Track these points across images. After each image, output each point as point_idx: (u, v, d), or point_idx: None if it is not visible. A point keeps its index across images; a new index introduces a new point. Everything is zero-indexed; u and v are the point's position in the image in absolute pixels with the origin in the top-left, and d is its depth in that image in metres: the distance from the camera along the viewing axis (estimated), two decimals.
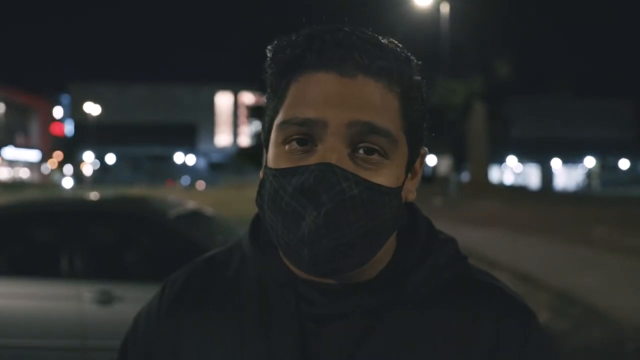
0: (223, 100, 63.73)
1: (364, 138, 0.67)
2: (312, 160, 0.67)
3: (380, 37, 0.72)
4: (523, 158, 60.79)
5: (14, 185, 43.15)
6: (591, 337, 5.15)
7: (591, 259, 9.21)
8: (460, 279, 0.78)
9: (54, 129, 67.23)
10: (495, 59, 29.47)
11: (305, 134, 0.68)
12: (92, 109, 58.13)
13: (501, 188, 33.31)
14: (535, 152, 59.92)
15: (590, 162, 62.35)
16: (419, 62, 0.74)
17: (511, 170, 62.47)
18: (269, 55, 0.74)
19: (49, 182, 54.82)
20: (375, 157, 0.68)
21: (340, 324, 0.73)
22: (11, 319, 3.64)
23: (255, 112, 39.31)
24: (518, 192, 30.83)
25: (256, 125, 39.23)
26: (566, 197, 29.14)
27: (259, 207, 0.74)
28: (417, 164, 0.77)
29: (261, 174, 0.76)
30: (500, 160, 57.67)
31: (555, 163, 62.53)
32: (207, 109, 63.48)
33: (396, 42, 0.73)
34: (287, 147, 0.69)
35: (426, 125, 0.76)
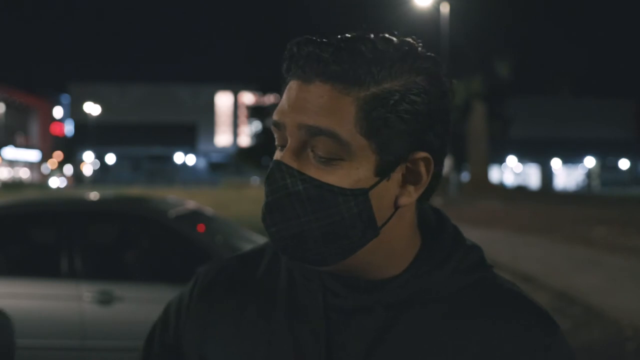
0: (223, 100, 63.73)
1: (313, 140, 0.72)
2: None
3: (364, 41, 0.73)
4: (523, 158, 60.80)
5: (14, 185, 43.15)
6: (591, 337, 5.15)
7: (591, 259, 9.21)
8: (485, 286, 0.79)
9: (54, 129, 67.25)
10: (495, 59, 29.48)
11: (281, 137, 0.76)
12: (92, 109, 58.14)
13: (501, 188, 33.32)
14: (535, 152, 59.93)
15: (590, 162, 62.35)
16: (428, 67, 0.75)
17: (511, 170, 62.48)
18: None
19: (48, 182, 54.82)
20: (326, 158, 0.72)
21: (364, 317, 0.76)
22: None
23: (255, 112, 39.32)
24: (518, 192, 30.83)
25: (256, 125, 39.23)
26: (566, 197, 29.14)
27: None
28: (421, 169, 0.76)
29: None
30: (500, 160, 57.69)
31: (555, 163, 62.53)
32: (207, 109, 63.48)
33: (399, 41, 0.75)
34: (277, 151, 0.79)
35: (427, 130, 0.75)
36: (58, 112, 68.90)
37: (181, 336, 0.87)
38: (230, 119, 63.63)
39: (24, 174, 58.16)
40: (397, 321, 0.75)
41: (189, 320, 0.87)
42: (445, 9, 25.26)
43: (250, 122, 41.29)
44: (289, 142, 0.74)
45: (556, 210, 18.08)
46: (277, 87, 37.17)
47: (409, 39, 0.77)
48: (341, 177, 0.72)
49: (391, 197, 0.75)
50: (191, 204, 4.96)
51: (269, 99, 38.28)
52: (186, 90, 63.86)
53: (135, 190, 30.53)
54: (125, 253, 4.23)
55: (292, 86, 0.75)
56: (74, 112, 62.68)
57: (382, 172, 0.74)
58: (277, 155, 0.77)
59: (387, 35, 0.76)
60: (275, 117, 0.76)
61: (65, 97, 67.23)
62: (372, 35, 0.75)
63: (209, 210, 5.32)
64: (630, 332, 5.21)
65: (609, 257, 9.35)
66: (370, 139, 0.72)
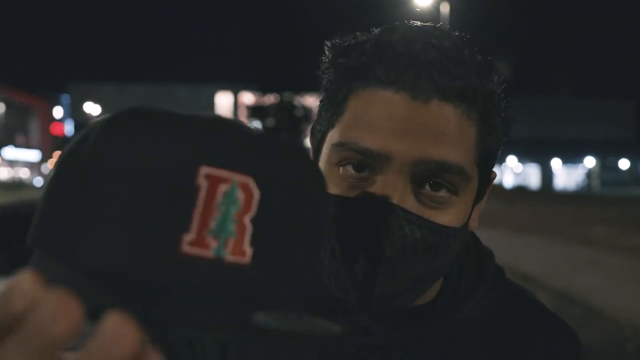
0: (223, 100, 63.76)
1: (433, 175, 0.58)
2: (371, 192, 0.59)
3: (459, 45, 0.60)
4: (523, 158, 60.78)
5: (14, 185, 43.17)
6: (591, 337, 5.14)
7: (591, 259, 9.21)
8: (506, 298, 0.74)
9: (54, 129, 67.25)
10: (495, 59, 29.48)
11: (363, 161, 0.59)
12: (92, 109, 58.16)
13: (501, 188, 33.32)
14: (535, 152, 59.90)
15: (590, 162, 62.33)
16: (499, 76, 0.64)
17: (511, 170, 62.47)
18: (328, 54, 0.64)
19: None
20: (442, 193, 0.59)
21: (403, 356, 0.66)
22: None
23: (255, 112, 39.27)
24: (518, 192, 30.83)
25: (256, 125, 39.23)
26: (566, 197, 29.14)
27: None
28: (487, 188, 0.69)
29: None
30: (500, 160, 57.57)
31: (555, 163, 62.51)
32: (207, 109, 63.47)
33: (474, 47, 0.62)
34: (341, 169, 0.60)
35: (499, 151, 0.66)
36: (58, 112, 68.90)
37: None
38: None
39: (24, 174, 58.16)
40: (438, 355, 0.68)
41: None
42: (445, 9, 25.27)
43: (250, 122, 41.31)
44: (392, 177, 0.58)
45: (556, 210, 18.08)
46: (277, 87, 37.19)
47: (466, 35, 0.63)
48: (453, 215, 0.60)
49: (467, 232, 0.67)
50: None
51: (269, 99, 38.24)
52: (186, 90, 63.92)
53: None
54: None
55: (395, 99, 0.57)
56: (74, 112, 62.70)
57: (478, 199, 0.65)
58: (352, 180, 0.59)
59: (453, 32, 0.63)
60: (369, 142, 0.57)
61: (65, 97, 67.21)
62: (443, 31, 0.62)
63: None
64: (630, 332, 5.21)
65: (609, 257, 9.35)
66: (480, 167, 0.62)
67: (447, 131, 0.57)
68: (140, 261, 0.30)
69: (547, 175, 62.03)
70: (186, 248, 0.31)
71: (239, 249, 0.33)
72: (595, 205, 19.81)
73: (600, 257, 9.38)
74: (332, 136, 0.62)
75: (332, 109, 0.63)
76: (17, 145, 56.50)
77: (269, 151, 0.35)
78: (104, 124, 0.35)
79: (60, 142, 65.98)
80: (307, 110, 41.70)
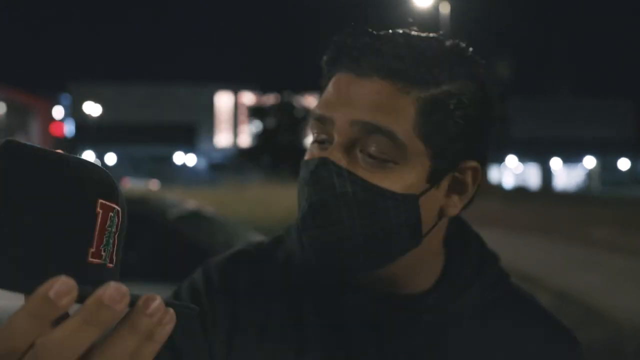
0: (223, 100, 63.73)
1: (367, 138, 0.66)
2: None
3: (421, 39, 0.70)
4: (523, 158, 60.78)
5: None
6: (591, 337, 5.15)
7: (591, 259, 9.22)
8: (508, 299, 0.78)
9: (54, 129, 67.24)
10: (495, 59, 29.52)
11: (324, 132, 0.70)
12: (92, 109, 58.18)
13: (501, 188, 33.31)
14: (535, 152, 59.90)
15: (590, 162, 62.33)
16: (481, 73, 0.72)
17: (511, 170, 62.47)
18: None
19: None
20: (381, 157, 0.67)
21: (396, 337, 0.72)
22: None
23: (255, 112, 39.28)
24: (518, 192, 30.83)
25: (256, 125, 39.19)
26: (566, 197, 29.13)
27: None
28: (468, 178, 0.73)
29: None
30: (500, 160, 57.67)
31: (555, 163, 62.52)
32: (207, 109, 63.47)
33: (451, 43, 0.72)
34: (314, 145, 0.73)
35: (478, 138, 0.72)
36: (58, 112, 68.91)
37: (204, 324, 0.76)
38: (230, 119, 63.62)
39: None
40: (430, 341, 0.72)
41: (211, 309, 0.77)
42: (445, 9, 25.27)
43: (250, 122, 41.27)
44: (336, 139, 0.68)
45: (556, 210, 18.08)
46: (277, 87, 37.20)
47: (460, 42, 0.73)
48: (392, 181, 0.67)
49: (437, 206, 0.71)
50: (191, 204, 4.96)
51: (269, 99, 38.24)
52: (186, 90, 63.88)
53: (135, 190, 30.49)
54: (125, 253, 4.23)
55: (342, 79, 0.69)
56: (74, 112, 62.71)
57: (434, 179, 0.70)
58: (316, 150, 0.71)
59: (436, 35, 0.73)
60: (320, 110, 0.70)
61: (65, 97, 67.23)
62: (423, 34, 0.71)
63: (209, 210, 5.33)
64: (630, 332, 5.21)
65: (609, 257, 9.35)
66: (427, 144, 0.68)
67: (381, 102, 0.66)
68: (65, 270, 0.38)
69: (547, 175, 62.03)
70: (89, 259, 0.43)
71: (111, 258, 0.46)
72: (595, 205, 19.81)
73: (600, 257, 9.38)
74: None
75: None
76: None
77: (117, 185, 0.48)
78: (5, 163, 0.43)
79: (60, 142, 66.03)
80: (307, 110, 41.67)
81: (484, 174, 0.75)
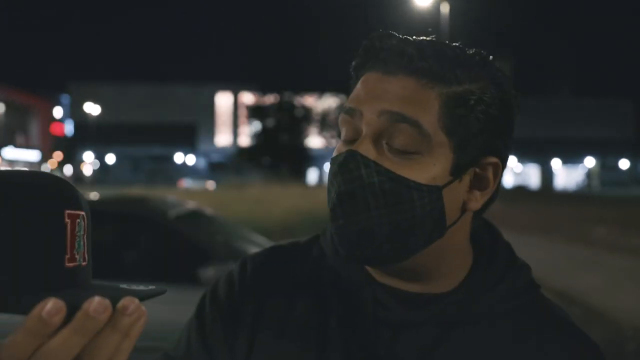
0: (223, 100, 63.73)
1: (394, 128, 0.70)
2: None
3: (441, 44, 0.74)
4: (523, 158, 60.81)
5: None
6: None
7: (591, 259, 9.22)
8: (533, 309, 0.78)
9: (54, 129, 67.26)
10: (495, 59, 29.47)
11: (352, 126, 0.73)
12: (92, 109, 58.15)
13: (501, 188, 33.20)
14: (535, 152, 59.94)
15: (590, 162, 62.36)
16: (502, 74, 0.76)
17: (511, 170, 62.50)
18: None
19: None
20: (407, 149, 0.70)
21: (413, 333, 0.74)
22: (12, 319, 3.63)
23: (255, 112, 39.28)
24: (518, 192, 30.84)
25: (256, 125, 39.19)
26: (566, 197, 29.13)
27: None
28: (489, 174, 0.75)
29: None
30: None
31: (555, 163, 62.54)
32: (207, 109, 63.46)
33: (474, 51, 0.76)
34: (342, 143, 0.76)
35: (499, 136, 0.74)
36: (58, 112, 68.92)
37: (238, 312, 0.81)
38: (230, 119, 63.62)
39: None
40: (446, 339, 0.73)
41: (243, 302, 0.82)
42: (445, 9, 25.26)
43: (250, 122, 41.25)
44: (364, 131, 0.72)
45: (556, 210, 18.08)
46: (277, 87, 37.20)
47: (480, 50, 0.78)
48: (417, 171, 0.70)
49: (459, 199, 0.74)
50: (191, 204, 4.96)
51: (269, 99, 38.24)
52: (186, 90, 63.86)
53: (135, 190, 30.50)
54: (125, 253, 4.23)
55: (371, 77, 0.74)
56: (74, 112, 62.70)
57: (457, 172, 0.72)
58: (344, 147, 0.74)
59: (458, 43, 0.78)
60: (350, 104, 0.74)
61: (65, 97, 67.24)
62: (446, 41, 0.77)
63: (209, 210, 5.33)
64: (630, 332, 5.21)
65: (609, 257, 9.35)
66: (450, 136, 0.71)
67: (406, 95, 0.70)
68: (47, 280, 0.47)
69: (547, 175, 62.04)
70: (66, 264, 0.49)
71: (84, 257, 0.51)
72: (595, 205, 19.80)
73: (600, 257, 9.39)
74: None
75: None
76: (17, 145, 56.54)
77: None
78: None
79: (60, 142, 66.02)
80: (307, 110, 41.65)
81: (502, 173, 0.77)
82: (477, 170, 0.74)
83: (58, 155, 63.47)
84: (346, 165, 0.70)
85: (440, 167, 0.71)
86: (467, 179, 0.73)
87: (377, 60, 0.74)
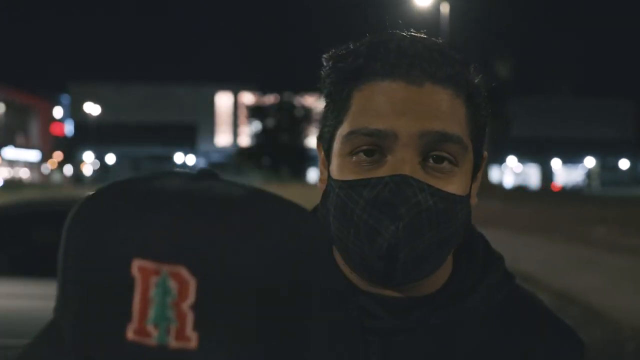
0: (223, 100, 63.71)
1: (436, 147, 0.66)
2: (382, 172, 0.66)
3: (439, 43, 0.71)
4: (523, 158, 60.77)
5: (13, 185, 43.17)
6: (591, 337, 5.15)
7: (591, 259, 9.22)
8: (513, 300, 0.78)
9: (54, 129, 67.23)
10: (495, 59, 29.52)
11: (373, 144, 0.67)
12: (92, 109, 58.14)
13: (501, 188, 33.31)
14: (535, 152, 59.90)
15: (590, 162, 62.33)
16: (476, 65, 0.74)
17: (511, 170, 62.47)
18: (326, 63, 0.73)
19: (49, 182, 54.86)
20: (445, 165, 0.67)
21: (405, 340, 0.71)
22: (11, 319, 3.64)
23: (255, 112, 39.31)
24: (518, 192, 30.84)
25: (256, 125, 39.21)
26: (566, 197, 29.13)
27: (322, 218, 0.73)
28: (481, 168, 0.76)
29: (321, 185, 0.75)
30: (500, 160, 57.68)
31: (555, 163, 62.52)
32: (207, 109, 63.45)
33: (453, 46, 0.73)
34: (354, 158, 0.68)
35: (486, 130, 0.75)
36: (58, 112, 68.89)
37: None
38: (230, 119, 63.60)
39: (24, 174, 58.15)
40: (440, 344, 0.72)
41: None
42: (445, 9, 25.26)
43: (250, 122, 41.27)
44: (404, 153, 0.65)
45: (556, 210, 18.08)
46: (277, 87, 37.21)
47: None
48: (457, 184, 0.68)
49: (471, 199, 0.73)
50: None
51: (269, 99, 38.26)
52: (186, 90, 63.84)
53: None
54: None
55: (392, 89, 0.66)
56: (74, 112, 62.69)
57: (475, 174, 0.72)
58: (364, 164, 0.67)
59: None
60: (377, 124, 0.66)
61: (65, 97, 67.21)
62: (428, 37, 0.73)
63: None
64: (630, 332, 5.21)
65: (609, 257, 9.35)
66: (473, 141, 0.70)
67: (442, 108, 0.66)
68: (95, 349, 0.33)
69: (547, 175, 62.02)
70: (131, 335, 0.34)
71: (182, 335, 0.34)
72: (595, 205, 19.80)
73: (600, 257, 9.38)
74: (342, 130, 0.69)
75: (337, 109, 0.71)
76: (17, 145, 56.49)
77: (208, 233, 0.35)
78: (68, 223, 0.39)
79: (60, 142, 65.99)
80: (307, 110, 41.61)
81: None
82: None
83: (58, 155, 63.43)
84: (403, 192, 0.64)
85: (469, 174, 0.70)
86: None
87: (393, 67, 0.67)
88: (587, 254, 9.72)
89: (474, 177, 0.73)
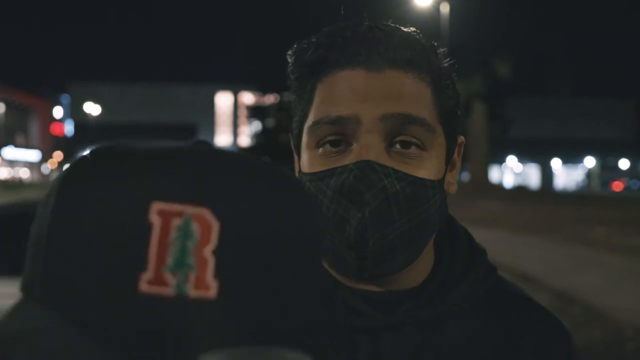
0: (223, 100, 63.73)
1: (400, 130, 0.65)
2: (349, 160, 0.65)
3: (403, 28, 0.70)
4: (523, 158, 60.77)
5: (13, 185, 43.16)
6: (591, 337, 5.14)
7: (591, 259, 9.22)
8: (497, 293, 0.77)
9: (54, 129, 67.22)
10: (495, 59, 29.50)
11: (338, 134, 0.66)
12: (92, 109, 58.15)
13: (501, 188, 33.32)
14: (535, 152, 59.89)
15: (590, 162, 62.32)
16: (444, 50, 0.72)
17: (511, 170, 62.46)
18: (290, 60, 0.73)
19: (49, 182, 54.80)
20: (413, 150, 0.66)
21: (394, 337, 0.69)
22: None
23: (255, 112, 39.26)
24: (518, 192, 30.84)
25: (256, 125, 39.22)
26: (566, 197, 29.13)
27: None
28: (455, 154, 0.75)
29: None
30: (500, 160, 57.67)
31: (555, 163, 62.51)
32: (207, 109, 63.48)
33: (418, 31, 0.72)
34: (320, 150, 0.68)
35: (460, 113, 0.74)
36: (58, 112, 68.88)
37: None
38: (230, 119, 63.63)
39: (24, 174, 58.15)
40: (429, 340, 0.70)
41: None
42: (445, 9, 25.26)
43: (250, 122, 41.25)
44: (366, 138, 0.64)
45: (556, 210, 18.07)
46: (277, 87, 37.20)
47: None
48: (427, 169, 0.66)
49: (447, 186, 0.72)
50: None
51: (269, 99, 38.24)
52: (186, 90, 63.88)
53: None
54: None
55: (353, 76, 0.66)
56: (74, 112, 62.68)
57: (449, 159, 0.71)
58: (330, 155, 0.66)
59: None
60: (339, 111, 0.65)
61: (65, 97, 67.19)
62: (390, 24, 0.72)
63: None
64: (631, 332, 5.21)
65: (609, 257, 9.35)
66: (442, 125, 0.69)
67: (404, 92, 0.65)
68: (105, 304, 0.30)
69: (547, 175, 62.01)
70: (145, 287, 0.31)
71: (202, 283, 0.32)
72: (595, 205, 19.80)
73: (600, 257, 9.38)
74: (308, 122, 0.70)
75: (302, 103, 0.72)
76: (17, 145, 56.50)
77: (230, 178, 0.34)
78: (60, 180, 0.36)
79: (60, 142, 65.99)
80: None
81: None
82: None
83: (58, 155, 63.43)
84: (367, 179, 0.62)
85: (441, 159, 0.69)
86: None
87: (353, 55, 0.66)
88: (587, 254, 9.72)
89: (448, 162, 0.71)
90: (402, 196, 0.63)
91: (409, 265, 0.69)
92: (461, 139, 0.75)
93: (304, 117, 0.71)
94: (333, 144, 0.67)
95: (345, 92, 0.66)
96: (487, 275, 0.76)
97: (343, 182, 0.64)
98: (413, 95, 0.66)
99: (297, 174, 0.75)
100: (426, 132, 0.66)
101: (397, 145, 0.66)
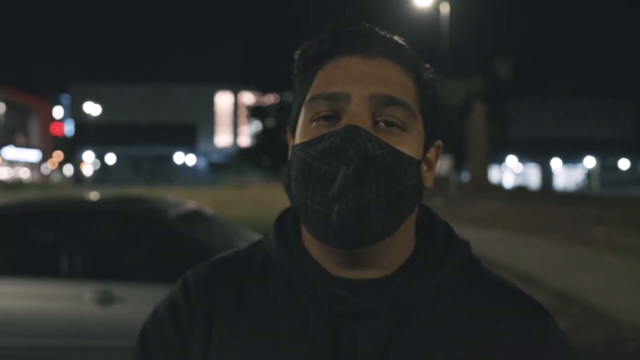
0: (223, 100, 63.70)
1: (384, 110, 0.73)
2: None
3: (394, 36, 0.81)
4: (523, 158, 60.76)
5: (13, 185, 43.13)
6: (591, 337, 5.14)
7: (591, 259, 9.22)
8: (479, 281, 0.81)
9: (54, 129, 67.18)
10: (495, 59, 29.48)
11: (331, 110, 0.74)
12: (92, 109, 58.13)
13: (501, 188, 33.29)
14: (535, 152, 59.89)
15: (590, 162, 62.32)
16: (427, 65, 0.83)
17: (511, 170, 62.45)
18: (296, 57, 0.82)
19: (49, 182, 54.83)
20: (394, 129, 0.74)
21: (372, 320, 0.74)
22: (11, 319, 3.64)
23: (255, 112, 39.24)
24: (518, 192, 30.84)
25: (256, 125, 39.18)
26: (566, 197, 29.12)
27: (286, 189, 0.77)
28: (433, 155, 0.82)
29: (290, 157, 0.79)
30: (500, 160, 57.66)
31: (555, 163, 62.50)
32: (207, 109, 63.44)
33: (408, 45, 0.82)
34: (314, 124, 0.75)
35: (439, 118, 0.82)
36: (58, 112, 68.83)
37: (183, 335, 0.79)
38: (230, 119, 63.60)
39: (24, 174, 58.12)
40: (406, 323, 0.74)
41: (190, 319, 0.79)
42: (445, 9, 25.25)
43: (250, 122, 41.22)
44: (355, 111, 0.73)
45: (556, 210, 18.07)
46: (277, 87, 37.17)
47: None
48: (405, 146, 0.74)
49: (421, 175, 0.79)
50: (191, 204, 4.96)
51: (269, 99, 38.22)
52: (186, 90, 63.81)
53: (135, 190, 30.50)
54: (125, 253, 4.23)
55: (350, 61, 0.76)
56: (74, 112, 62.64)
57: (426, 149, 0.79)
58: (322, 127, 0.74)
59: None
60: (333, 89, 0.74)
61: (65, 97, 67.13)
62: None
63: (209, 210, 5.32)
64: (631, 332, 5.21)
65: (609, 257, 9.35)
66: (423, 117, 0.78)
67: (392, 78, 0.75)
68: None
69: (547, 175, 62.00)
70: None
71: None
72: (595, 205, 19.79)
73: (600, 257, 9.38)
74: (306, 102, 0.77)
75: (303, 89, 0.79)
76: (17, 145, 56.47)
77: None
78: None
79: (60, 142, 65.96)
80: None
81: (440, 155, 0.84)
82: (431, 149, 0.81)
83: (58, 155, 63.41)
84: (354, 139, 0.70)
85: (418, 144, 0.77)
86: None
87: (353, 46, 0.76)
88: (587, 254, 9.72)
89: (425, 152, 0.79)
90: (380, 161, 0.70)
91: (384, 236, 0.73)
92: (439, 142, 0.83)
93: (303, 99, 0.78)
94: (326, 118, 0.74)
95: (341, 74, 0.75)
96: (469, 265, 0.80)
97: (331, 144, 0.70)
98: (399, 83, 0.75)
99: (290, 154, 0.81)
100: (408, 115, 0.74)
101: (382, 124, 0.73)
